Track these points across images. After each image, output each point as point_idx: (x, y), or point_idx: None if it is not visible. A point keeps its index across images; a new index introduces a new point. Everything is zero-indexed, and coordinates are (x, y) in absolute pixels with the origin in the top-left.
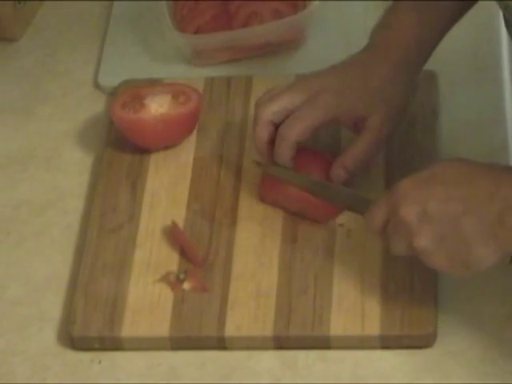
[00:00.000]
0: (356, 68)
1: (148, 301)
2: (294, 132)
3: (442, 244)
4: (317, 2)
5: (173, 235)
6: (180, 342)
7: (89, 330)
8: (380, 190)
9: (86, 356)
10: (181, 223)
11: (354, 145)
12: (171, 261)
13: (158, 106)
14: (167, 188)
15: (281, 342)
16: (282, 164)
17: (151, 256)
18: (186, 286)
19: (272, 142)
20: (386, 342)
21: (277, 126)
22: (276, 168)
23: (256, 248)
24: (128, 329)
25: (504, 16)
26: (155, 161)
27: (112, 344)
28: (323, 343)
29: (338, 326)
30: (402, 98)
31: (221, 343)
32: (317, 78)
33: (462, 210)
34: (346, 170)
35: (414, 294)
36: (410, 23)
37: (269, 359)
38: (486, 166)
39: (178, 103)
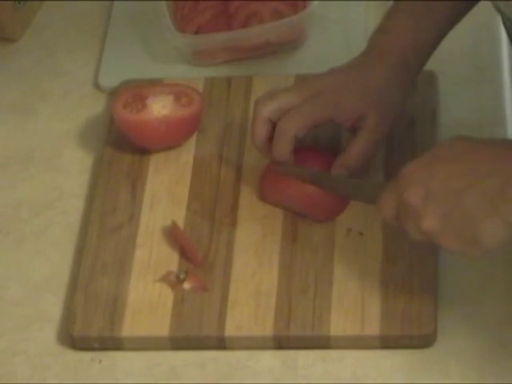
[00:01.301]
0: (354, 70)
1: (148, 301)
2: (292, 126)
3: (448, 222)
4: (317, 2)
5: (173, 235)
6: (180, 342)
7: (89, 329)
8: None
9: (86, 356)
10: (181, 223)
11: (353, 144)
12: (171, 261)
13: (160, 107)
14: (167, 188)
15: (281, 342)
16: (280, 159)
17: (151, 256)
18: (186, 285)
19: (270, 139)
20: (386, 342)
21: (275, 125)
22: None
23: (256, 248)
24: (128, 329)
25: (502, 18)
26: (155, 161)
27: (112, 344)
28: (323, 343)
29: (338, 325)
30: (400, 98)
31: (221, 343)
32: (316, 79)
33: (463, 186)
34: (346, 169)
35: (414, 294)
36: (407, 28)
37: (269, 359)
38: (486, 142)
39: (181, 105)
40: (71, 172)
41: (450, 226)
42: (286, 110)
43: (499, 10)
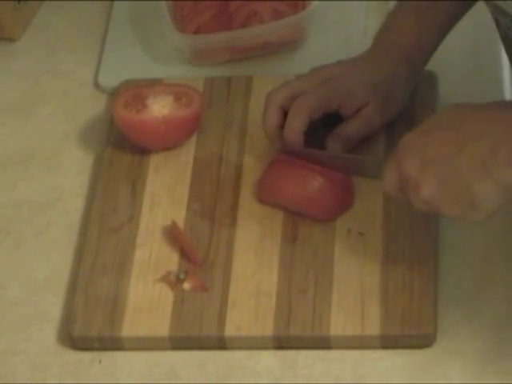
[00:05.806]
0: (361, 62)
1: (148, 301)
2: (307, 104)
3: (445, 188)
4: (317, 2)
5: (173, 235)
6: (180, 342)
7: (89, 329)
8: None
9: (86, 356)
10: (181, 223)
11: (343, 127)
12: (171, 261)
13: (160, 107)
14: (167, 188)
15: (281, 342)
16: (292, 140)
17: (151, 256)
18: (186, 286)
19: (281, 128)
20: (386, 342)
21: (286, 114)
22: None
23: (256, 248)
24: (128, 329)
25: (493, 16)
26: (155, 161)
27: (112, 344)
28: (323, 343)
29: (338, 326)
30: (402, 95)
31: (221, 343)
32: (326, 68)
33: (456, 151)
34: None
35: (414, 294)
36: (410, 27)
37: (269, 359)
38: (481, 106)
39: (181, 105)
40: (71, 172)
41: (447, 192)
42: (298, 96)
43: (495, 9)
